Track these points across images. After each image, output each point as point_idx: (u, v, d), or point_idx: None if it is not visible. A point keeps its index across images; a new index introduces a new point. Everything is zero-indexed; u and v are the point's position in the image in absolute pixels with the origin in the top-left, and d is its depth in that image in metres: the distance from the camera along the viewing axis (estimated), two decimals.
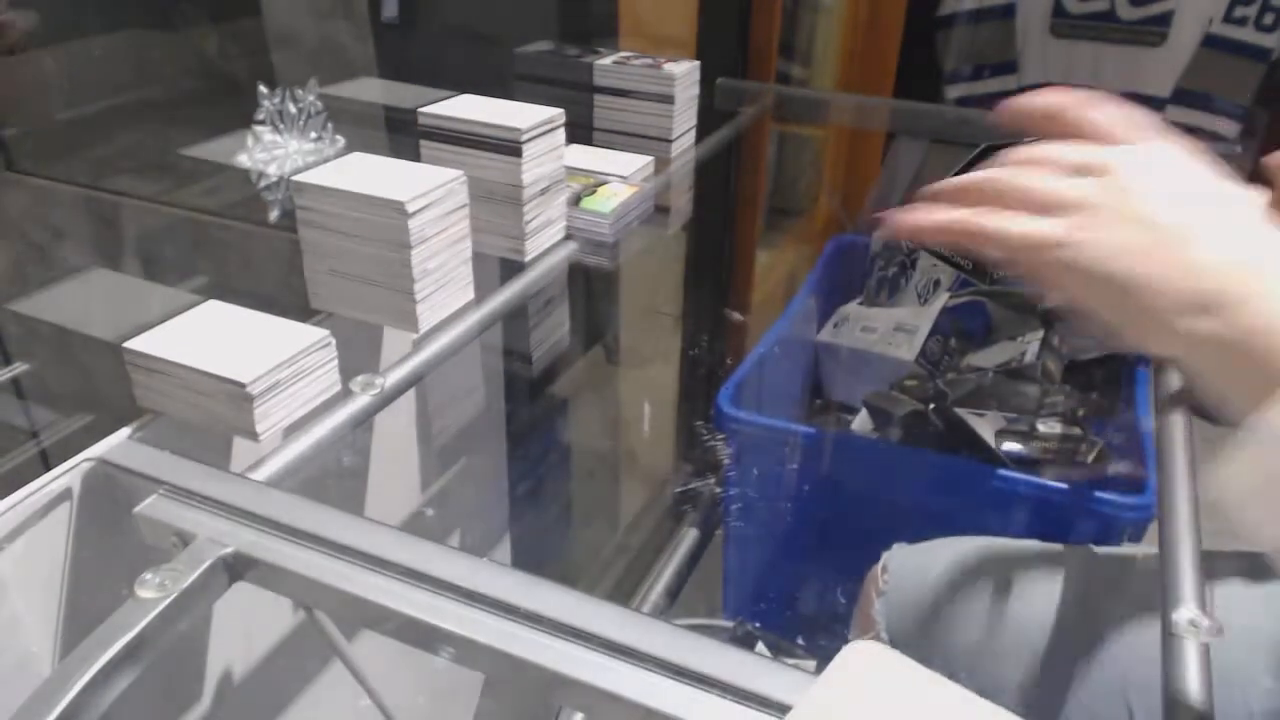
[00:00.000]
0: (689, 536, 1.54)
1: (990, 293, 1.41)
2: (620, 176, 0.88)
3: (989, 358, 1.34)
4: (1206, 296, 0.33)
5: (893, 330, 1.42)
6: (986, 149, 0.87)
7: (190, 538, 0.48)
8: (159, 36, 0.69)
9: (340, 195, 0.63)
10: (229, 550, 0.48)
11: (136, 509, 0.51)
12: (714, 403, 1.19)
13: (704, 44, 1.32)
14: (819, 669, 0.39)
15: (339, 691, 0.84)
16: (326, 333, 0.58)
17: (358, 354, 0.67)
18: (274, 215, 0.73)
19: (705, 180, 1.14)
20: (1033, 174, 0.40)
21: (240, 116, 0.71)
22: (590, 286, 1.25)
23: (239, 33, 0.76)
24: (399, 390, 0.63)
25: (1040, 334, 1.33)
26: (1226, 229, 0.35)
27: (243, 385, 0.53)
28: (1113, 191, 0.36)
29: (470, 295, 0.70)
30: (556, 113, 0.75)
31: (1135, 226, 0.35)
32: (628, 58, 0.99)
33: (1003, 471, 1.05)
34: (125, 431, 0.57)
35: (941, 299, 1.42)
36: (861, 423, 1.34)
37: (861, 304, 1.53)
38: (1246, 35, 1.73)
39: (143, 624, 0.43)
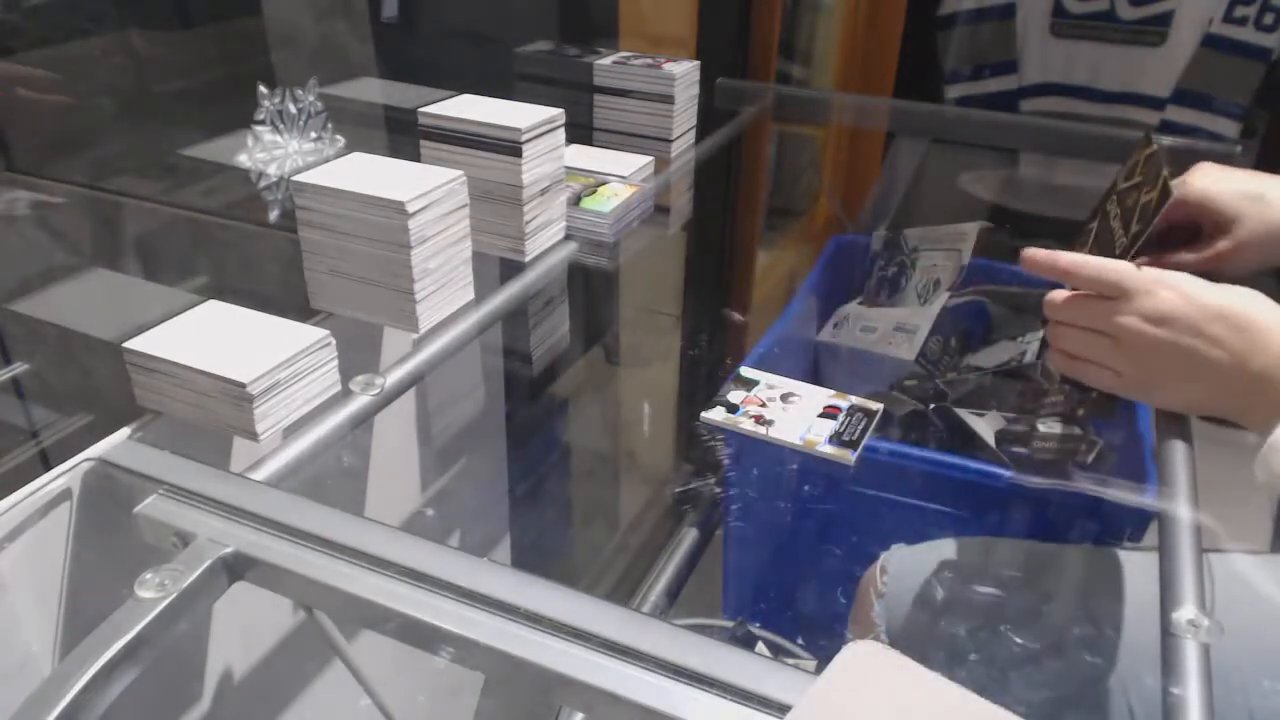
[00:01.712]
0: (689, 536, 1.53)
1: (990, 293, 1.41)
2: (620, 176, 0.88)
3: (989, 358, 1.34)
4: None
5: (892, 330, 1.41)
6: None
7: (190, 538, 0.48)
8: (160, 36, 0.69)
9: (340, 195, 0.63)
10: (229, 550, 0.48)
11: (136, 509, 0.51)
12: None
13: (704, 44, 1.32)
14: (819, 669, 0.39)
15: (339, 691, 0.83)
16: (326, 333, 0.58)
17: (358, 354, 0.67)
18: (274, 215, 0.73)
19: (705, 180, 1.13)
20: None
21: (240, 116, 0.71)
22: (590, 286, 1.24)
23: (239, 33, 0.75)
24: (399, 390, 0.63)
25: (1040, 334, 1.32)
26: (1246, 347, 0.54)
27: (243, 385, 0.53)
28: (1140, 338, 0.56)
29: (470, 295, 0.70)
30: (556, 113, 0.75)
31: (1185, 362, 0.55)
32: (628, 58, 0.99)
33: (1002, 471, 1.05)
34: (125, 431, 0.57)
35: (941, 299, 1.42)
36: None
37: (861, 304, 1.53)
38: (1246, 35, 1.72)
39: (143, 624, 0.43)
